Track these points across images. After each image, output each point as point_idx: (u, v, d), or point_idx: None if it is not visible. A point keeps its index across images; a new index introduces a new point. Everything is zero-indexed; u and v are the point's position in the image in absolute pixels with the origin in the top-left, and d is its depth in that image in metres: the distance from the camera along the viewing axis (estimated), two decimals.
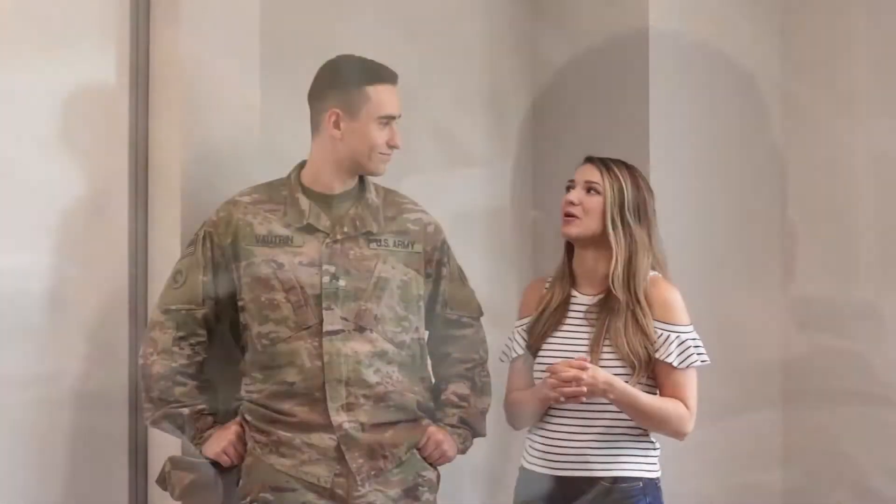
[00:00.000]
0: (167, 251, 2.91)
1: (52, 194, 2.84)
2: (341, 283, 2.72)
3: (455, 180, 3.99)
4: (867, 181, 3.96)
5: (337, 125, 2.76)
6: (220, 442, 2.71)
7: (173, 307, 2.74)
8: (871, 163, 3.95)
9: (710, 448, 3.93)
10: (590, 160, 2.83)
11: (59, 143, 2.85)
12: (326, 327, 2.69)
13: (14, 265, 2.78)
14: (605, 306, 2.76)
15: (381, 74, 2.78)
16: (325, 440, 2.68)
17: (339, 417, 2.68)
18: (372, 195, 2.82)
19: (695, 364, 2.74)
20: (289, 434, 2.68)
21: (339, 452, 2.68)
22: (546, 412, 2.79)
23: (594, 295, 2.79)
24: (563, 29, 4.09)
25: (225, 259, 2.75)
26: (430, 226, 2.88)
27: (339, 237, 2.75)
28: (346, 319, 2.71)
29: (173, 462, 2.75)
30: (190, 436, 2.73)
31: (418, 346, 2.82)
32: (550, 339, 2.80)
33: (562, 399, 2.67)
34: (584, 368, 2.64)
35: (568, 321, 2.80)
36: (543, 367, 2.76)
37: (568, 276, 2.84)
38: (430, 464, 2.81)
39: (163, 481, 2.77)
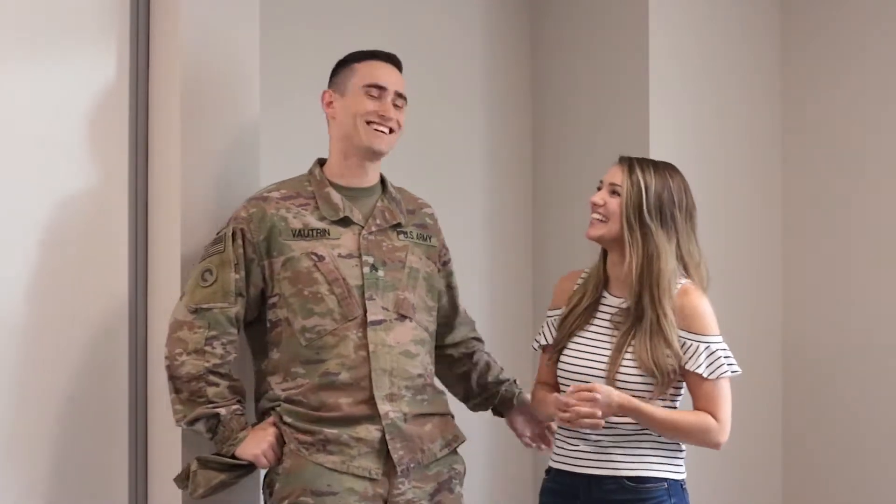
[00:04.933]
0: (167, 252, 2.90)
1: (52, 195, 2.83)
2: (380, 273, 2.74)
3: (455, 181, 3.99)
4: (866, 179, 3.96)
5: (330, 104, 2.80)
6: (260, 443, 2.67)
7: (204, 305, 2.69)
8: (870, 160, 3.95)
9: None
10: (620, 160, 2.77)
11: (59, 144, 2.84)
12: (370, 317, 2.70)
13: (13, 265, 2.78)
14: (632, 313, 2.71)
15: (372, 53, 2.81)
16: (372, 432, 2.67)
17: (384, 406, 2.68)
18: (392, 189, 2.86)
19: (725, 375, 2.69)
20: (335, 430, 2.66)
21: (383, 444, 2.68)
22: None
23: (624, 297, 2.75)
24: (563, 29, 4.09)
25: (258, 255, 2.73)
26: (438, 221, 2.94)
27: (373, 229, 2.77)
28: (386, 309, 2.72)
29: (201, 462, 2.70)
30: (223, 437, 2.68)
31: (434, 338, 2.87)
32: (576, 339, 2.78)
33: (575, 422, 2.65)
34: (593, 397, 2.60)
35: (595, 322, 2.78)
36: (566, 366, 2.76)
37: (601, 277, 2.80)
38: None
39: (184, 480, 2.72)
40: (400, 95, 2.79)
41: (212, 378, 2.67)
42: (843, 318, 4.00)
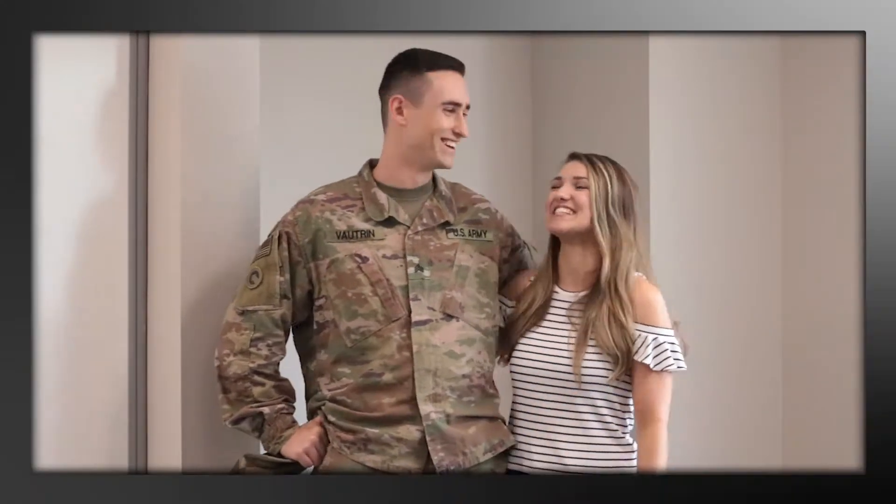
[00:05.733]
0: (167, 254, 2.91)
1: (52, 196, 2.83)
2: (426, 273, 2.74)
3: (454, 180, 3.98)
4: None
5: (400, 111, 2.78)
6: (303, 442, 2.71)
7: (250, 308, 2.73)
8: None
9: (712, 445, 3.94)
10: (575, 156, 2.83)
11: (59, 145, 2.84)
12: (415, 318, 2.70)
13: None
14: (590, 302, 2.76)
15: (443, 61, 2.80)
16: (413, 432, 2.68)
17: (426, 407, 2.68)
18: (443, 187, 2.86)
19: (670, 368, 2.72)
20: (377, 430, 2.67)
21: (423, 445, 2.68)
22: (519, 410, 2.81)
23: (578, 292, 2.80)
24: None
25: (303, 258, 2.75)
26: (499, 213, 2.93)
27: (419, 229, 2.77)
28: (432, 309, 2.72)
29: (249, 460, 2.74)
30: (269, 435, 2.72)
31: (495, 335, 2.84)
32: (529, 336, 2.81)
33: None
34: None
35: (549, 318, 2.81)
36: (521, 362, 2.79)
37: (551, 274, 2.84)
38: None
39: None
40: (468, 106, 2.81)
41: (257, 378, 2.72)
42: (842, 319, 3.99)
